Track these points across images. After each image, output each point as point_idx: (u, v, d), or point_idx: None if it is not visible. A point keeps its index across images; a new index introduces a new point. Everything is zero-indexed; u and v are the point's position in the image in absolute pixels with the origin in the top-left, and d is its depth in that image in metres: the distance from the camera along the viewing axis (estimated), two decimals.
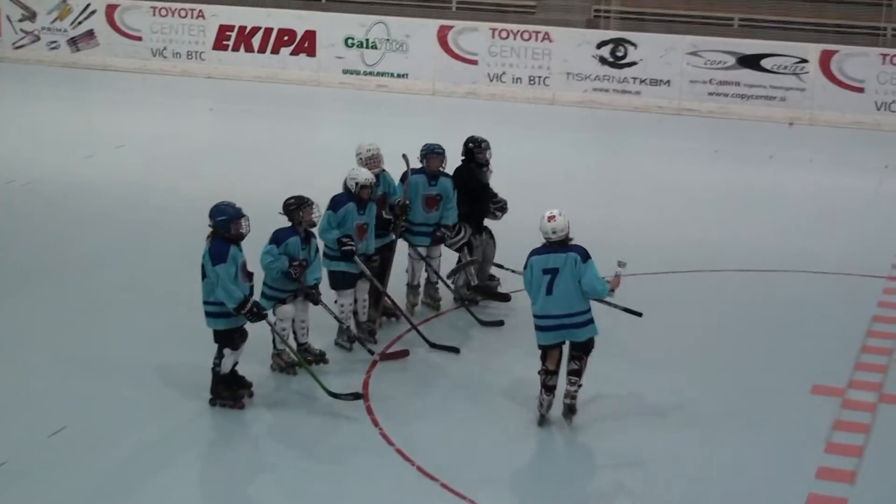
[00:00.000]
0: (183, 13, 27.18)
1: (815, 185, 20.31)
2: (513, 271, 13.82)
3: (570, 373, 11.42)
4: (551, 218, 11.48)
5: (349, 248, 12.68)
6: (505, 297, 14.43)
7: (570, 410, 11.49)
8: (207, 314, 11.58)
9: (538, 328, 11.42)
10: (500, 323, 13.88)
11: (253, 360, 11.93)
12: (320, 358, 12.60)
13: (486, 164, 14.29)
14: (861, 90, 23.85)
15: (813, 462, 11.01)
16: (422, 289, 14.22)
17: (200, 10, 27.14)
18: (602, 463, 11.15)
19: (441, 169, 13.80)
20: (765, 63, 24.27)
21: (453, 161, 14.05)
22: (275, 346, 12.42)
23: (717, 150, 22.34)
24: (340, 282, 12.97)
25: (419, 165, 13.71)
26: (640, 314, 12.27)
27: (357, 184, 12.76)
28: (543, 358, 11.47)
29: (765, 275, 15.72)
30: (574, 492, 10.65)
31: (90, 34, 27.83)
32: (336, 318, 12.89)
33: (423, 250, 13.94)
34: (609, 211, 17.94)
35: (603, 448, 11.35)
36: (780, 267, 15.92)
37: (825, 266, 15.93)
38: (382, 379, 12.48)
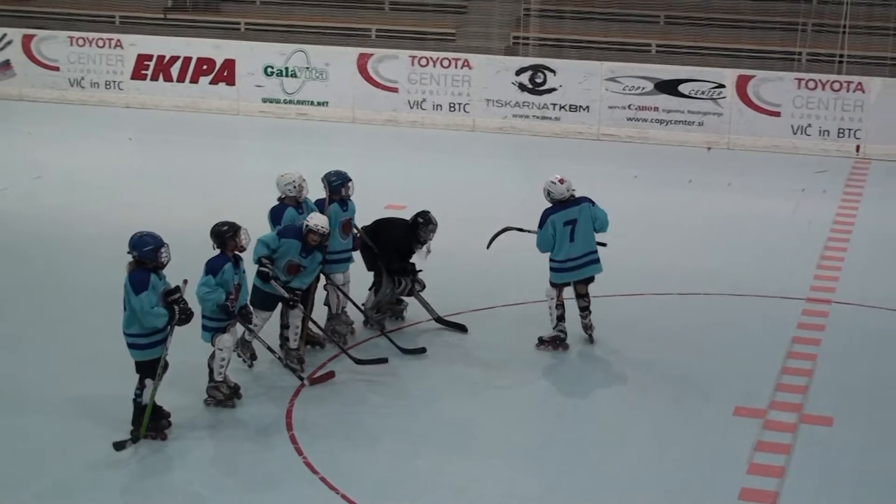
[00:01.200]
0: (101, 43, 26.99)
1: (734, 209, 20.47)
2: (530, 231, 14.24)
3: (583, 308, 14.12)
4: (562, 180, 14.09)
5: (265, 270, 12.72)
6: (462, 328, 14.58)
7: (590, 328, 14.17)
8: (129, 345, 11.49)
9: (561, 270, 13.92)
10: (423, 350, 13.88)
11: (178, 391, 11.83)
12: (234, 392, 12.46)
13: (425, 242, 14.44)
14: (777, 114, 24.11)
15: (736, 483, 11.10)
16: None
17: (118, 40, 26.97)
18: (529, 482, 11.16)
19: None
20: (682, 88, 24.48)
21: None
22: (211, 378, 12.34)
23: (637, 174, 22.48)
24: (260, 302, 12.96)
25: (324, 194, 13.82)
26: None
27: (307, 227, 12.85)
28: (558, 296, 13.97)
29: (685, 298, 15.84)
30: None
31: (6, 64, 27.54)
32: (269, 349, 12.81)
33: (339, 277, 13.96)
34: (530, 238, 17.98)
35: (529, 468, 11.38)
36: (700, 290, 16.06)
37: (745, 288, 16.09)
38: (306, 406, 12.45)
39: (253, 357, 13.11)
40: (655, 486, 11.12)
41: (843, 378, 13.48)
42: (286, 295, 12.89)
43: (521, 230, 14.63)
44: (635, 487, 11.09)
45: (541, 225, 13.98)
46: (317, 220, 12.91)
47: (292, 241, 12.86)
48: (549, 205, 14.02)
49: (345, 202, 13.89)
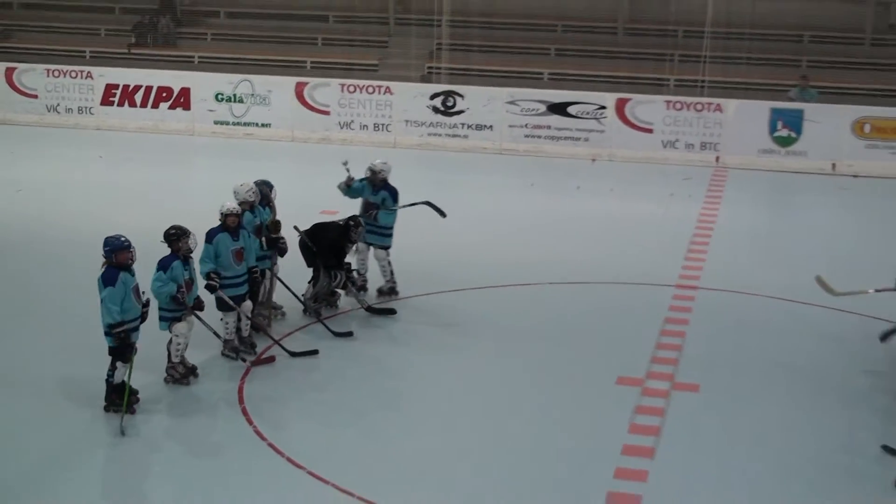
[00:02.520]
0: (74, 74, 26.62)
1: (615, 211, 20.56)
2: (440, 212, 14.85)
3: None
4: (385, 162, 14.65)
5: (212, 284, 12.60)
6: (391, 311, 14.59)
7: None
8: (105, 333, 11.39)
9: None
10: (350, 334, 13.82)
11: (146, 371, 11.69)
12: (191, 372, 12.36)
13: (355, 242, 14.46)
14: (650, 131, 24.25)
15: (619, 441, 11.16)
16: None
17: (89, 72, 26.62)
18: (448, 446, 11.16)
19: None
20: (570, 110, 24.55)
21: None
22: (169, 360, 12.21)
23: (533, 183, 22.54)
24: (224, 305, 12.84)
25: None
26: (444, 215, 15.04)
27: (222, 213, 12.76)
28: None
29: (574, 286, 15.89)
30: (421, 476, 10.65)
31: None
32: (215, 333, 12.73)
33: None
34: (444, 237, 18.00)
35: (447, 434, 11.39)
36: (588, 280, 16.12)
37: (624, 277, 16.18)
38: (255, 384, 12.36)
39: (235, 352, 12.91)
40: (551, 445, 11.17)
41: (708, 352, 13.60)
42: (229, 301, 12.75)
43: (435, 208, 15.02)
44: (534, 445, 11.14)
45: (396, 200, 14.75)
46: (228, 205, 12.81)
47: (219, 235, 12.70)
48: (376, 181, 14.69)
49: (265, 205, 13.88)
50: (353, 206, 15.00)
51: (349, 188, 14.74)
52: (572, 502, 10.16)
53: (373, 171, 14.84)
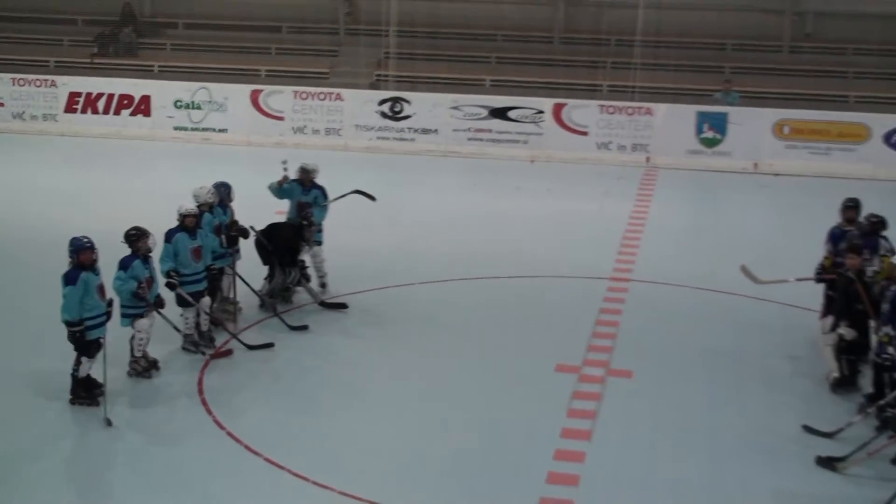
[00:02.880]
0: (38, 83, 26.29)
1: (553, 209, 20.60)
2: (371, 197, 15.01)
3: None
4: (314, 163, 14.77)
5: (171, 282, 12.48)
6: (342, 305, 14.49)
7: None
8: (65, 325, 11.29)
9: None
10: (306, 327, 13.76)
11: (110, 365, 11.57)
12: (153, 365, 12.24)
13: (309, 241, 14.45)
14: (585, 133, 24.33)
15: (558, 424, 11.20)
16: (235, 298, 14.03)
17: (53, 80, 26.29)
18: (396, 432, 11.14)
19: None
20: (511, 114, 24.59)
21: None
22: (132, 355, 12.10)
23: (476, 183, 22.56)
24: (183, 301, 12.72)
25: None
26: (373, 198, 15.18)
27: (180, 214, 12.67)
28: None
29: (515, 280, 15.93)
30: (373, 460, 10.62)
31: None
32: (175, 328, 12.63)
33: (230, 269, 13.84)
34: (392, 236, 18.01)
35: (396, 421, 11.37)
36: (528, 274, 16.15)
37: (562, 271, 16.24)
38: (214, 376, 12.28)
39: (196, 345, 12.81)
40: (494, 428, 11.18)
41: (640, 340, 13.67)
42: (188, 298, 12.64)
43: (365, 194, 15.14)
44: (479, 429, 11.15)
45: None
46: (185, 206, 12.73)
47: (177, 235, 12.59)
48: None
49: (224, 207, 13.80)
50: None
51: (281, 188, 14.66)
52: (515, 482, 10.17)
53: (306, 171, 14.78)
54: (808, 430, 11.20)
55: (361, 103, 25.31)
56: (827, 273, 13.07)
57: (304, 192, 14.67)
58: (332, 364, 12.88)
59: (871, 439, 10.52)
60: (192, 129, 25.76)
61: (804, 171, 23.12)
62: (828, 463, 10.49)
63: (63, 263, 11.30)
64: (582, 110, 24.40)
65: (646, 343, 13.55)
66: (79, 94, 26.25)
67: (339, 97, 25.32)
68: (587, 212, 20.34)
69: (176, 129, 25.84)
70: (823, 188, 20.62)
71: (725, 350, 13.38)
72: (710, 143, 23.89)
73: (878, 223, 13.16)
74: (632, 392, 12.14)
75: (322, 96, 25.35)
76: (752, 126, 23.69)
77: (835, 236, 13.44)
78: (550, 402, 11.73)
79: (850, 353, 12.09)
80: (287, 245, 14.24)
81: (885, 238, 13.03)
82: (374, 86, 26.63)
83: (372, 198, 15.40)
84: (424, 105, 24.99)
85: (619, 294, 15.33)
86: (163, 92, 25.97)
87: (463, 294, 15.28)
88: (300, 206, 14.59)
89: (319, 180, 14.90)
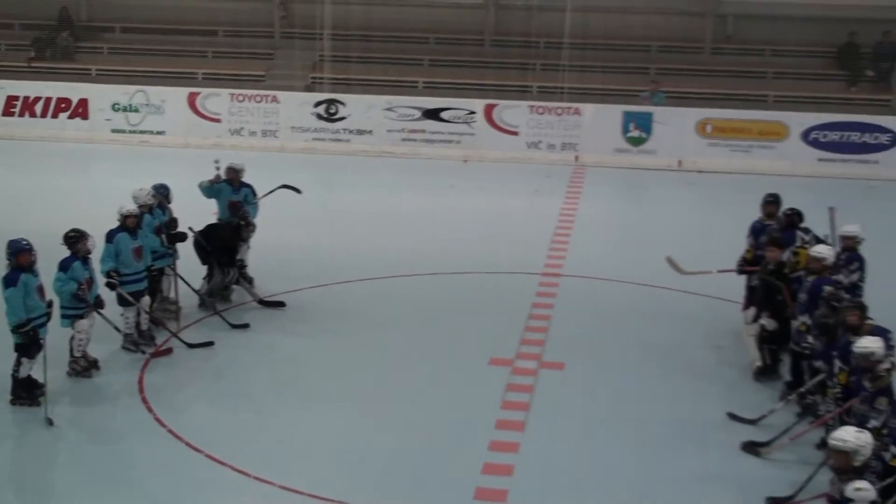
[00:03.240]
0: None
1: (486, 207, 20.63)
2: (297, 190, 14.77)
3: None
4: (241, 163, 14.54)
5: (111, 282, 12.34)
6: (280, 304, 14.40)
7: None
8: (11, 330, 11.13)
9: None
10: (247, 325, 13.67)
11: (50, 365, 11.40)
12: (93, 365, 12.09)
13: (246, 240, 14.40)
14: (516, 133, 24.38)
15: (492, 416, 11.24)
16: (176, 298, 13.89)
17: None
18: (334, 424, 11.10)
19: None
20: (443, 115, 24.57)
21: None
22: (71, 355, 11.94)
23: (410, 183, 22.54)
24: (124, 300, 12.58)
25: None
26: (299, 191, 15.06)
27: (122, 214, 12.53)
28: None
29: (450, 276, 15.94)
30: (312, 454, 10.58)
31: None
32: (115, 328, 12.48)
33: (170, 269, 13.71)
34: (329, 234, 17.95)
35: (335, 415, 11.33)
36: (462, 270, 16.16)
37: (496, 267, 16.26)
38: (154, 374, 12.15)
39: (136, 345, 12.66)
40: (431, 421, 11.21)
41: (571, 333, 13.75)
42: (129, 298, 12.50)
43: (291, 188, 15.10)
44: (417, 422, 11.18)
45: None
46: (127, 207, 12.59)
47: (119, 235, 12.46)
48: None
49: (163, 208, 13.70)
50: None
51: (212, 187, 14.54)
52: (450, 474, 10.18)
53: (234, 170, 14.66)
54: (733, 417, 11.34)
55: (297, 105, 25.16)
56: (749, 265, 13.25)
57: (234, 191, 14.56)
58: (271, 361, 12.79)
59: (792, 425, 10.68)
60: (130, 132, 25.44)
61: (726, 168, 23.37)
62: (751, 448, 10.64)
63: (2, 265, 11.11)
64: (512, 111, 24.46)
65: (577, 336, 13.62)
66: (16, 98, 25.81)
67: (275, 99, 25.16)
68: (519, 209, 20.40)
69: (114, 131, 25.50)
70: (745, 184, 20.85)
71: (653, 342, 13.50)
72: (636, 141, 24.08)
73: (794, 215, 13.36)
74: (564, 383, 12.21)
75: (258, 99, 25.18)
76: (676, 125, 23.91)
77: (756, 230, 13.62)
78: (485, 395, 11.75)
79: (771, 343, 12.26)
80: (225, 245, 14.16)
81: (803, 230, 13.22)
82: (309, 88, 26.48)
83: (298, 191, 15.41)
84: (359, 107, 24.90)
85: (551, 289, 15.40)
86: (100, 95, 25.61)
87: (398, 291, 15.25)
88: (232, 206, 14.48)
89: (254, 180, 14.80)
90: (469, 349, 13.08)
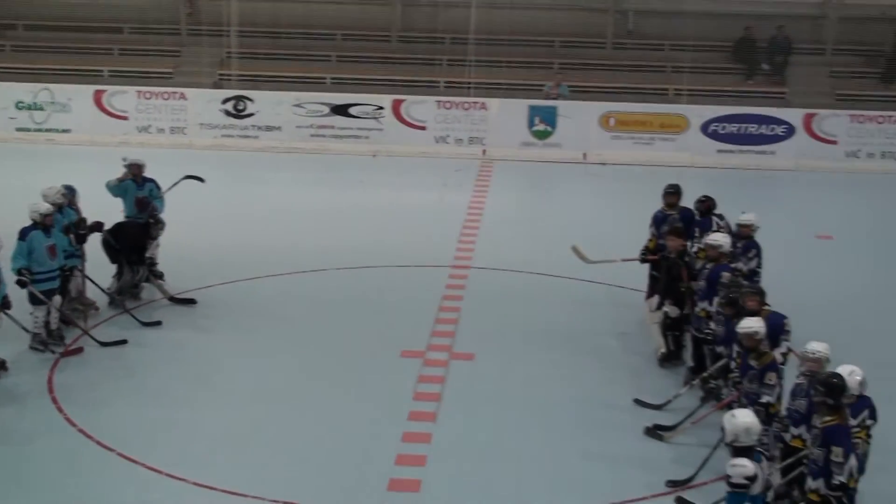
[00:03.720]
0: None
1: (395, 201, 20.62)
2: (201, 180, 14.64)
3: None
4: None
5: (22, 279, 12.17)
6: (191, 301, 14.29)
7: None
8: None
9: None
10: (159, 323, 13.52)
11: None
12: (0, 366, 11.87)
13: (156, 238, 14.34)
14: (424, 128, 24.45)
15: (405, 408, 11.27)
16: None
17: None
18: (241, 422, 11.03)
19: None
20: (352, 111, 24.55)
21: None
22: None
23: (320, 178, 22.46)
24: (35, 299, 12.37)
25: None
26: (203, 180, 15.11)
27: (40, 213, 12.37)
28: None
29: (360, 271, 15.91)
30: (224, 449, 10.50)
31: None
32: (23, 328, 12.25)
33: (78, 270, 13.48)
34: (238, 231, 17.80)
35: (242, 411, 11.25)
36: (372, 264, 16.15)
37: (406, 261, 16.28)
38: (65, 373, 11.96)
39: (44, 344, 12.44)
40: (343, 414, 11.21)
41: (481, 324, 13.84)
42: (41, 296, 12.31)
43: (195, 178, 15.26)
44: (329, 415, 11.17)
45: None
46: (44, 206, 12.46)
47: (32, 233, 12.27)
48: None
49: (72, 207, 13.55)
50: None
51: (119, 185, 14.36)
52: (364, 466, 10.18)
53: (138, 165, 14.51)
54: (640, 403, 11.51)
55: (205, 102, 24.91)
56: (651, 254, 13.47)
57: (139, 187, 14.41)
58: (182, 358, 12.65)
59: (695, 409, 10.88)
60: (36, 130, 24.96)
61: (629, 160, 23.69)
62: (655, 433, 10.83)
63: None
64: (420, 106, 24.50)
65: (486, 326, 13.71)
66: None
67: (182, 96, 24.88)
68: (427, 203, 20.43)
69: (19, 130, 24.98)
70: (647, 175, 21.16)
71: (560, 330, 13.66)
72: (542, 135, 24.29)
73: (708, 202, 13.63)
74: (474, 373, 12.29)
75: (166, 96, 24.87)
76: (580, 119, 24.19)
77: (658, 220, 13.85)
78: (397, 387, 11.78)
79: (675, 330, 12.48)
80: (134, 243, 13.99)
81: (718, 216, 13.49)
82: (217, 85, 26.23)
83: (201, 180, 15.43)
84: (267, 103, 24.74)
85: (460, 281, 15.48)
86: (4, 93, 25.05)
87: (309, 286, 15.20)
88: (139, 203, 14.33)
89: (162, 177, 14.64)
90: (380, 342, 13.08)
